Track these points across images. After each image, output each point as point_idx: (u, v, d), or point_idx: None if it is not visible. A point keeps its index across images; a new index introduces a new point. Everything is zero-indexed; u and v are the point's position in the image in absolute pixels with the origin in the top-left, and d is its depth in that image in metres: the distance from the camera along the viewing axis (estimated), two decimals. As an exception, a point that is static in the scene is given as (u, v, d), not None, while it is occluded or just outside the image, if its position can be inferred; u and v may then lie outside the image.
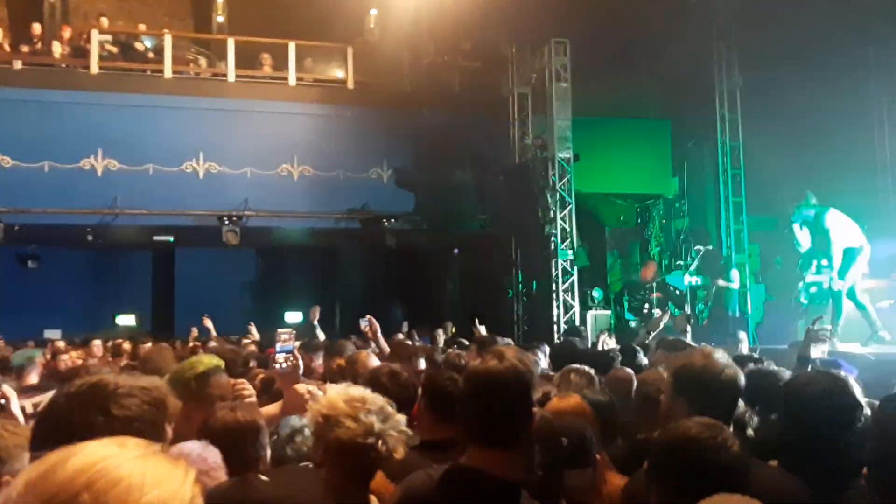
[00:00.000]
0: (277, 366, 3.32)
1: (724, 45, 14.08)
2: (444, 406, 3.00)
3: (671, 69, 13.10)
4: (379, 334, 5.41)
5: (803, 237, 9.77)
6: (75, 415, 1.52)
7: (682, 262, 13.40)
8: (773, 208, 13.30)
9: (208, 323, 9.43)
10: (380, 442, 2.17)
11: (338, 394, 2.31)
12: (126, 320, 14.97)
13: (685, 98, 14.62)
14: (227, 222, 13.08)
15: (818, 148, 11.83)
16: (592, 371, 4.07)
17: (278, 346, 3.31)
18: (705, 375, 2.54)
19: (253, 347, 7.46)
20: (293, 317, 14.89)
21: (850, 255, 9.36)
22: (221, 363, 3.30)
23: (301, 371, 3.40)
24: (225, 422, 2.64)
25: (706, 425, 1.92)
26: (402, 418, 2.30)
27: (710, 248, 13.24)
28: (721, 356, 2.65)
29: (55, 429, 1.47)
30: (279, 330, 3.37)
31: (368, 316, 5.34)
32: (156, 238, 14.47)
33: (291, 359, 3.31)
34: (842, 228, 9.40)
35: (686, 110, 14.95)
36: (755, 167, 13.76)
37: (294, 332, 3.42)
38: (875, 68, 12.55)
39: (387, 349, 5.24)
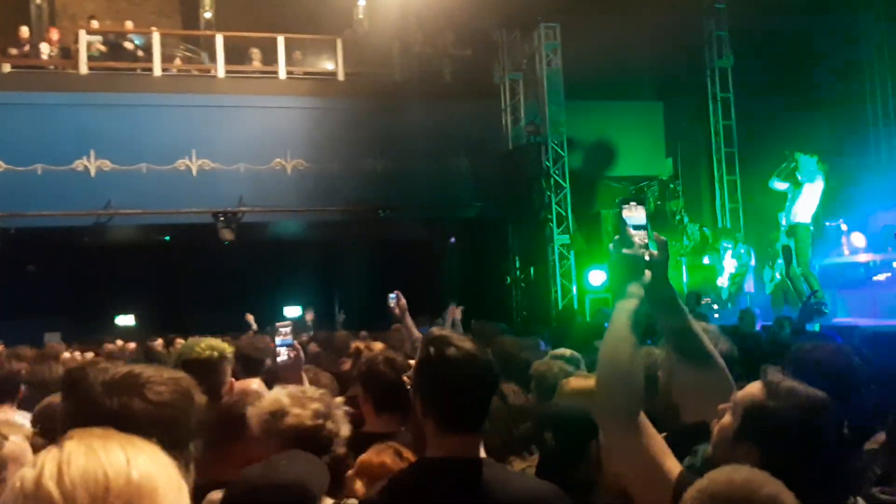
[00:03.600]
0: (279, 358, 3.36)
1: (714, 24, 14.06)
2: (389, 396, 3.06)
3: (662, 50, 13.08)
4: (407, 313, 4.89)
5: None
6: (114, 401, 1.55)
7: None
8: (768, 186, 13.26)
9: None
10: (328, 422, 2.33)
11: (277, 392, 2.48)
12: (126, 321, 14.97)
13: (677, 79, 14.61)
14: (221, 219, 13.07)
15: (812, 124, 11.84)
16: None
17: (279, 340, 3.37)
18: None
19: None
20: (292, 311, 14.90)
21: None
22: (228, 350, 3.27)
23: (302, 363, 3.43)
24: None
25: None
26: (339, 401, 2.48)
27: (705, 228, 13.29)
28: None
29: (92, 414, 1.50)
30: (278, 324, 3.44)
31: (397, 291, 4.98)
32: (151, 237, 14.47)
33: (292, 352, 3.36)
34: None
35: (678, 91, 14.96)
36: (749, 145, 13.77)
37: (292, 325, 3.46)
38: (866, 41, 12.54)
39: (414, 330, 4.86)
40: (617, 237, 1.97)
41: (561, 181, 13.29)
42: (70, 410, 1.68)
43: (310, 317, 12.65)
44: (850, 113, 12.39)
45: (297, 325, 9.02)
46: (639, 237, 1.95)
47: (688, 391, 2.19)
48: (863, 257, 10.38)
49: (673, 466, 1.86)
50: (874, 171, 12.23)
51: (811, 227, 9.39)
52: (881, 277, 10.01)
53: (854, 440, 2.25)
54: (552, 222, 13.22)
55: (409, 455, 2.57)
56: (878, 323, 8.58)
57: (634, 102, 15.35)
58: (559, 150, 13.33)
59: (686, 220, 14.23)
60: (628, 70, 13.68)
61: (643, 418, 1.88)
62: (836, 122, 12.10)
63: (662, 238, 1.98)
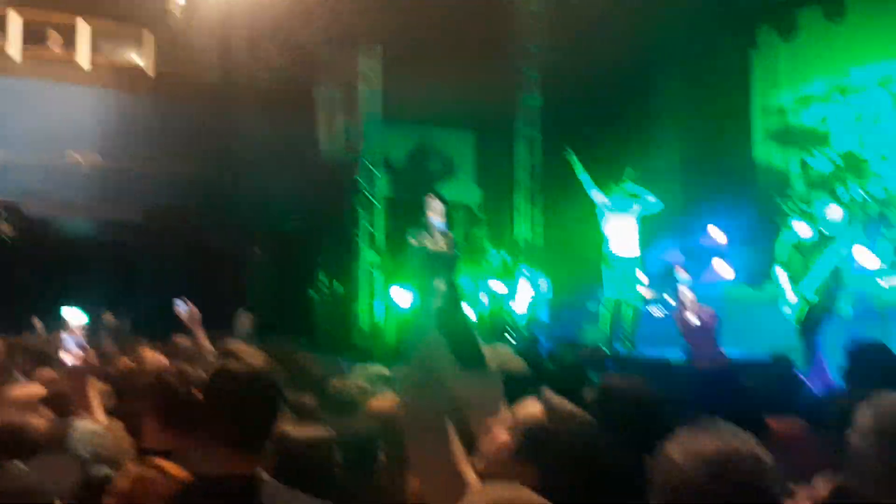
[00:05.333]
0: (68, 360, 3.17)
1: (526, 63, 14.74)
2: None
3: (477, 82, 13.52)
4: (198, 324, 4.49)
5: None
6: None
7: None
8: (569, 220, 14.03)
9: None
10: None
11: None
12: None
13: (489, 112, 15.15)
14: (3, 212, 12.04)
15: (615, 165, 12.59)
16: None
17: (71, 339, 3.19)
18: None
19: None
20: (74, 314, 13.86)
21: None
22: None
23: (92, 365, 3.22)
24: None
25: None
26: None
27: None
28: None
29: None
30: (68, 322, 3.25)
31: (184, 299, 4.57)
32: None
33: (81, 353, 3.17)
34: None
35: (490, 123, 15.54)
36: (553, 182, 14.49)
37: (84, 325, 3.27)
38: (667, 86, 13.68)
39: (206, 342, 4.52)
40: (418, 235, 2.07)
41: (373, 200, 13.38)
42: None
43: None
44: (650, 155, 13.39)
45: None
46: (439, 234, 2.07)
47: (462, 396, 2.25)
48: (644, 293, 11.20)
49: (473, 479, 1.91)
50: (670, 209, 13.18)
51: (618, 261, 9.95)
52: (656, 312, 10.88)
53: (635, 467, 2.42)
54: (362, 240, 13.26)
55: (177, 473, 2.37)
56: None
57: (449, 129, 15.80)
58: (373, 168, 13.42)
59: (488, 246, 14.74)
60: (445, 97, 14.04)
61: (451, 427, 1.92)
62: (640, 164, 12.99)
63: (450, 235, 2.11)
